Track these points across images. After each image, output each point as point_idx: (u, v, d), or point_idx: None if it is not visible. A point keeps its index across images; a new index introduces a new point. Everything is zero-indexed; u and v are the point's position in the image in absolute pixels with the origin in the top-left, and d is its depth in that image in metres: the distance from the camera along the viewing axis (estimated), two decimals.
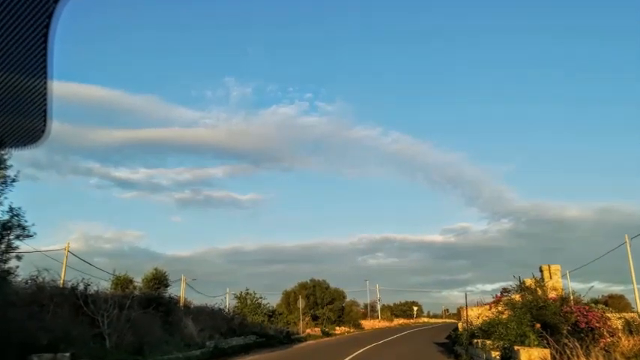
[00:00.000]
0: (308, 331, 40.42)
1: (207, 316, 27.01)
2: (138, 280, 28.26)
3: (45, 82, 2.26)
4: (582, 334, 15.39)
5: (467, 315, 26.16)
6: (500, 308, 19.74)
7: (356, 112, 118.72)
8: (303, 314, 42.89)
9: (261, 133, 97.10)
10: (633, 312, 21.83)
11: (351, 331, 47.36)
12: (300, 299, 42.03)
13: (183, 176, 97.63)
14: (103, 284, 22.40)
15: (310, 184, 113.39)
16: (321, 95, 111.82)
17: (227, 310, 34.96)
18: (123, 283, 25.63)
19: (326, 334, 40.51)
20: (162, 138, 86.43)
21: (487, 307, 22.97)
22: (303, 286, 49.33)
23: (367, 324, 56.86)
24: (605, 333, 15.74)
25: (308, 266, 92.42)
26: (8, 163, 14.27)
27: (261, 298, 40.00)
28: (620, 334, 15.78)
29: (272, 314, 42.69)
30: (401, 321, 67.72)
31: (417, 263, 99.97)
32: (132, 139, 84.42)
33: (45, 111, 2.39)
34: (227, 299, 40.65)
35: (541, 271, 23.71)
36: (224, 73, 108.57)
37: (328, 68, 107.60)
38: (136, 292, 23.31)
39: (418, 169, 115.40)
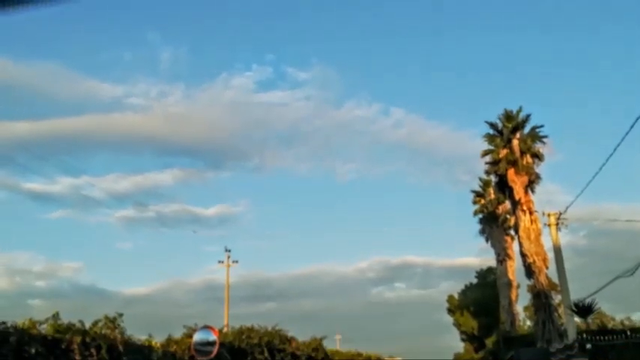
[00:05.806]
0: None
1: None
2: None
3: None
4: None
5: None
6: None
7: (343, 82, 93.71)
8: None
9: (211, 117, 77.00)
10: None
11: None
12: None
13: (121, 185, 71.56)
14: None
15: (293, 188, 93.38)
16: (287, 56, 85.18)
17: None
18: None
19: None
20: (77, 130, 66.47)
21: None
22: None
23: None
24: None
25: (307, 302, 77.67)
26: None
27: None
28: None
29: None
30: None
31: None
32: (37, 135, 60.85)
33: None
34: None
35: None
36: (145, 26, 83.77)
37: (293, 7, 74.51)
38: None
39: (437, 163, 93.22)
